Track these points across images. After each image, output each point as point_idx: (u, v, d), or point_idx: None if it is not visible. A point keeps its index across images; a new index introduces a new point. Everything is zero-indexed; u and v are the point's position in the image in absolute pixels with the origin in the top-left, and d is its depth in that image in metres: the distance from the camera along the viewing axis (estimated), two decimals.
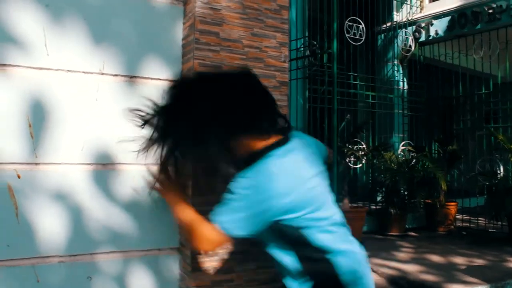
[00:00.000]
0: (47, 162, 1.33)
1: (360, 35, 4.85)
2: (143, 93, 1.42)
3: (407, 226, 5.08)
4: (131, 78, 1.43)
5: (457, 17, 6.13)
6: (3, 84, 1.30)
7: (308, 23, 4.71)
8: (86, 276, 1.36)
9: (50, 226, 1.34)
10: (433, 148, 6.06)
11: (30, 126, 1.33)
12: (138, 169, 1.41)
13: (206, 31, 1.44)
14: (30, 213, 1.32)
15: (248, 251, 1.45)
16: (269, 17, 1.57)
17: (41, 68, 1.34)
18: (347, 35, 4.75)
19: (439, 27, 6.34)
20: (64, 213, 1.35)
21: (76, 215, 1.36)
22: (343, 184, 4.38)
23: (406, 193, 5.01)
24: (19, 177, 1.31)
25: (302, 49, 4.49)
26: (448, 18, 6.27)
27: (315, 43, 4.16)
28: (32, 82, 1.33)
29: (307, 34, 4.65)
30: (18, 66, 1.31)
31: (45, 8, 1.34)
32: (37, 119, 1.33)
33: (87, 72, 1.38)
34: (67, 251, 1.35)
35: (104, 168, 1.39)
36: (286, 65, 1.62)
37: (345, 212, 1.38)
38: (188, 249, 1.41)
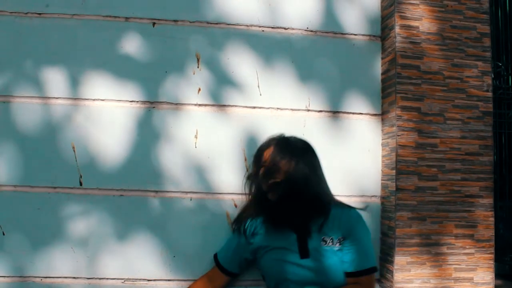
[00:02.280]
0: None
1: None
2: (345, 127, 1.84)
3: None
4: (334, 113, 1.84)
5: None
6: (224, 122, 1.83)
7: (491, 42, 4.75)
8: None
9: None
10: None
11: (245, 160, 1.83)
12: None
13: (407, 65, 1.80)
14: None
15: None
16: (469, 46, 1.86)
17: (254, 107, 1.84)
18: None
19: None
20: None
21: None
22: None
23: None
24: (235, 206, 1.80)
25: None
26: None
27: (500, 64, 4.23)
28: (247, 120, 1.83)
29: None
30: (236, 106, 1.83)
31: (258, 53, 1.87)
32: (251, 153, 1.80)
33: (294, 109, 1.84)
34: None
35: None
36: (490, 94, 1.85)
37: None
38: None
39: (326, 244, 1.47)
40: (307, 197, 1.45)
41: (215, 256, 1.63)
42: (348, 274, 1.46)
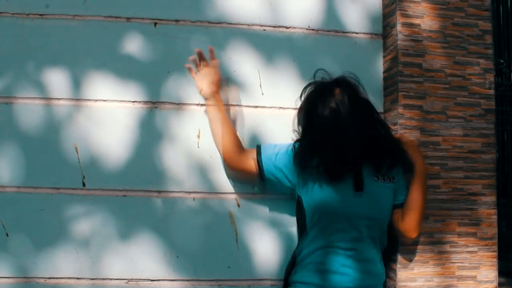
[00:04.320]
0: (263, 192, 1.80)
1: None
2: None
3: None
4: None
5: None
6: None
7: (494, 38, 4.76)
8: None
9: (265, 251, 1.79)
10: None
11: None
12: None
13: (409, 63, 1.80)
14: (247, 239, 1.80)
15: None
16: (471, 43, 1.86)
17: (256, 106, 1.84)
18: None
19: None
20: (277, 240, 1.81)
21: (288, 242, 1.80)
22: None
23: None
24: (238, 205, 1.80)
25: None
26: None
27: (502, 61, 4.24)
28: (249, 119, 1.83)
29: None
30: (238, 105, 1.85)
31: (259, 52, 1.86)
32: None
33: (297, 108, 1.85)
34: (278, 276, 1.77)
35: None
36: (492, 92, 1.85)
37: None
38: None
39: (378, 180, 1.53)
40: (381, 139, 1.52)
41: (258, 147, 1.63)
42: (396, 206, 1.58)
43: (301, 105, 1.57)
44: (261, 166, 1.58)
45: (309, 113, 1.52)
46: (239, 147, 1.62)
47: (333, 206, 1.49)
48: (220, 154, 1.67)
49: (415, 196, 1.54)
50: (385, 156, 1.51)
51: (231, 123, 1.69)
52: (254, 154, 1.60)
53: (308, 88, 1.57)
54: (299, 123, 1.58)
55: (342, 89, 1.50)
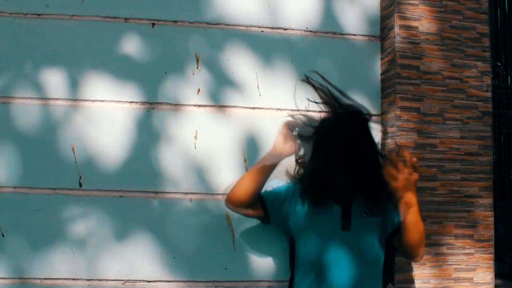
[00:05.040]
0: None
1: None
2: None
3: None
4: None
5: None
6: (223, 123, 1.83)
7: (491, 41, 4.78)
8: None
9: (262, 252, 1.78)
10: None
11: (245, 161, 1.83)
12: None
13: (406, 65, 1.80)
14: (244, 240, 1.80)
15: None
16: (469, 46, 1.87)
17: (254, 108, 1.85)
18: None
19: None
20: (274, 241, 1.80)
21: (285, 243, 1.80)
22: None
23: None
24: None
25: None
26: None
27: (499, 64, 4.25)
28: (247, 121, 1.83)
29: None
30: (236, 106, 1.84)
31: (257, 53, 1.87)
32: (251, 154, 1.80)
33: (294, 110, 1.84)
34: (275, 277, 1.77)
35: None
36: (489, 94, 1.86)
37: None
38: None
39: (367, 216, 1.49)
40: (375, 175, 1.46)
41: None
42: (394, 233, 1.49)
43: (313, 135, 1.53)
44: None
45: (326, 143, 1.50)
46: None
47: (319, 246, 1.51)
48: (237, 191, 1.55)
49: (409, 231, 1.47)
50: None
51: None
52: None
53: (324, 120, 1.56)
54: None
55: (360, 123, 1.51)
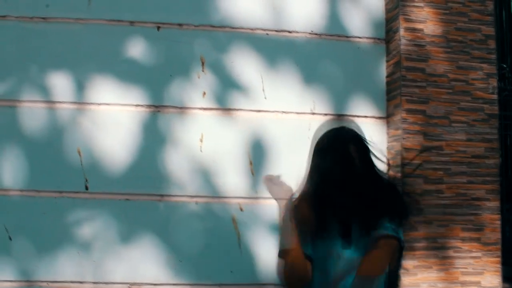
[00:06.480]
0: (266, 197, 1.80)
1: None
2: None
3: None
4: (339, 116, 1.84)
5: None
6: (229, 126, 1.83)
7: (496, 43, 4.78)
8: None
9: (268, 256, 1.79)
10: None
11: (251, 163, 1.84)
12: None
13: (412, 68, 1.81)
14: (250, 243, 1.80)
15: None
16: (474, 48, 1.87)
17: (259, 111, 1.85)
18: None
19: None
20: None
21: None
22: None
23: None
24: (241, 210, 1.81)
25: None
26: None
27: (504, 66, 4.25)
28: (252, 123, 1.84)
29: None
30: (241, 109, 1.85)
31: (262, 56, 1.88)
32: (256, 157, 1.81)
33: (299, 113, 1.85)
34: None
35: None
36: (495, 96, 1.86)
37: None
38: None
39: (367, 234, 1.46)
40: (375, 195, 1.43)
41: None
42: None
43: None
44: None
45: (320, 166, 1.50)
46: None
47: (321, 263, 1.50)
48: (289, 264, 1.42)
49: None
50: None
51: None
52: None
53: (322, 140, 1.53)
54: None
55: (357, 147, 1.47)
